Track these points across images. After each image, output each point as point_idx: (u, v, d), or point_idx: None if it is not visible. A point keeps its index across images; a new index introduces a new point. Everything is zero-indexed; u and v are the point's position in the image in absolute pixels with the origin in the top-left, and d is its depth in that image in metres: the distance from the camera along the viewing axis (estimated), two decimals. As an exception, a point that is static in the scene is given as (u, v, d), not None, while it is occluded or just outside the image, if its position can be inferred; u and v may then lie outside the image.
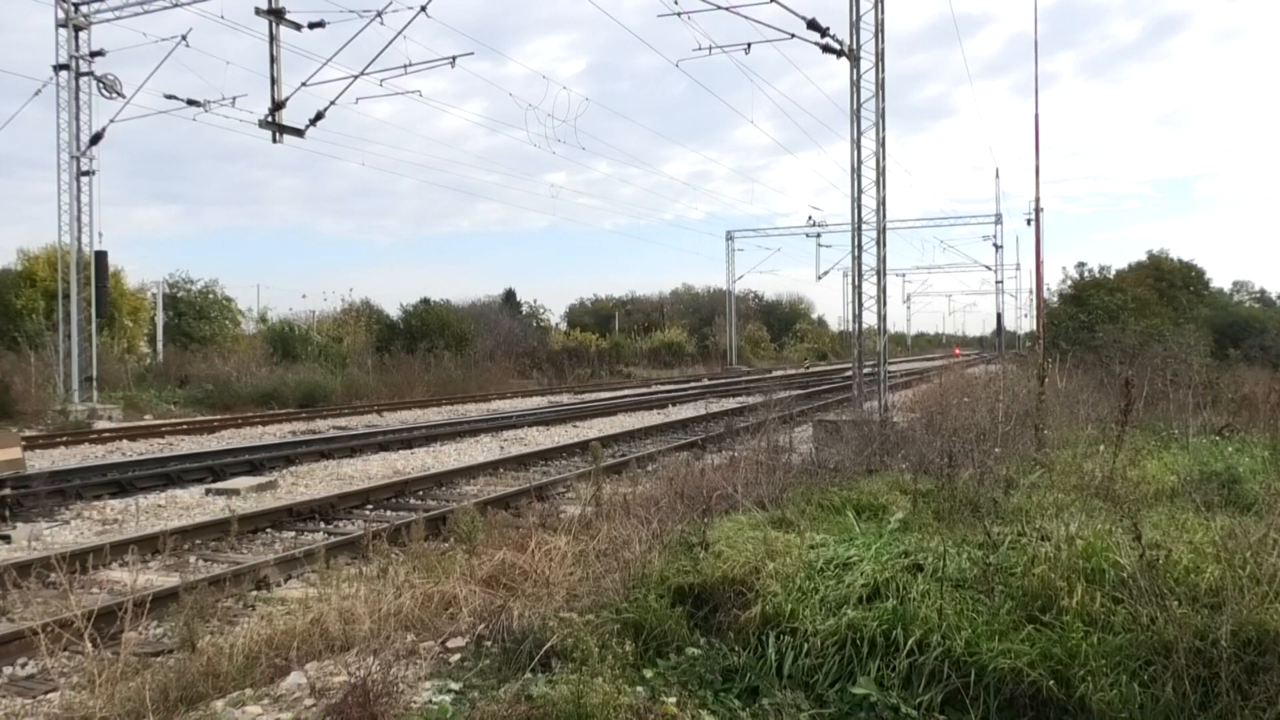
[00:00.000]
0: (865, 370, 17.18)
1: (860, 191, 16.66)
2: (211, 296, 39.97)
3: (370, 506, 11.36)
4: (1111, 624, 3.97)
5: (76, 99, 22.67)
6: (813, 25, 16.35)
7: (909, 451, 8.58)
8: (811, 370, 49.01)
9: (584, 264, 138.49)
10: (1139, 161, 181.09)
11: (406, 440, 17.96)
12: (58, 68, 22.53)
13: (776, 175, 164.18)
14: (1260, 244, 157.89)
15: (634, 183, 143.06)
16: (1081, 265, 39.21)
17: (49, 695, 5.16)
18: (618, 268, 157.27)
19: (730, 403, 25.66)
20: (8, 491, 11.06)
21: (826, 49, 16.60)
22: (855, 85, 16.56)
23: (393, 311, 42.74)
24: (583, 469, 12.76)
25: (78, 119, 22.74)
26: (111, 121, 22.87)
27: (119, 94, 22.52)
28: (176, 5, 21.56)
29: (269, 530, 9.99)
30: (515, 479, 13.47)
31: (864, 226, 16.82)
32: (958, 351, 76.70)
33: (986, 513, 5.45)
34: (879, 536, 5.24)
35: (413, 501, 11.78)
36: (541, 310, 58.31)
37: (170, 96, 21.87)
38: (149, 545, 8.66)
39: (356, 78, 19.98)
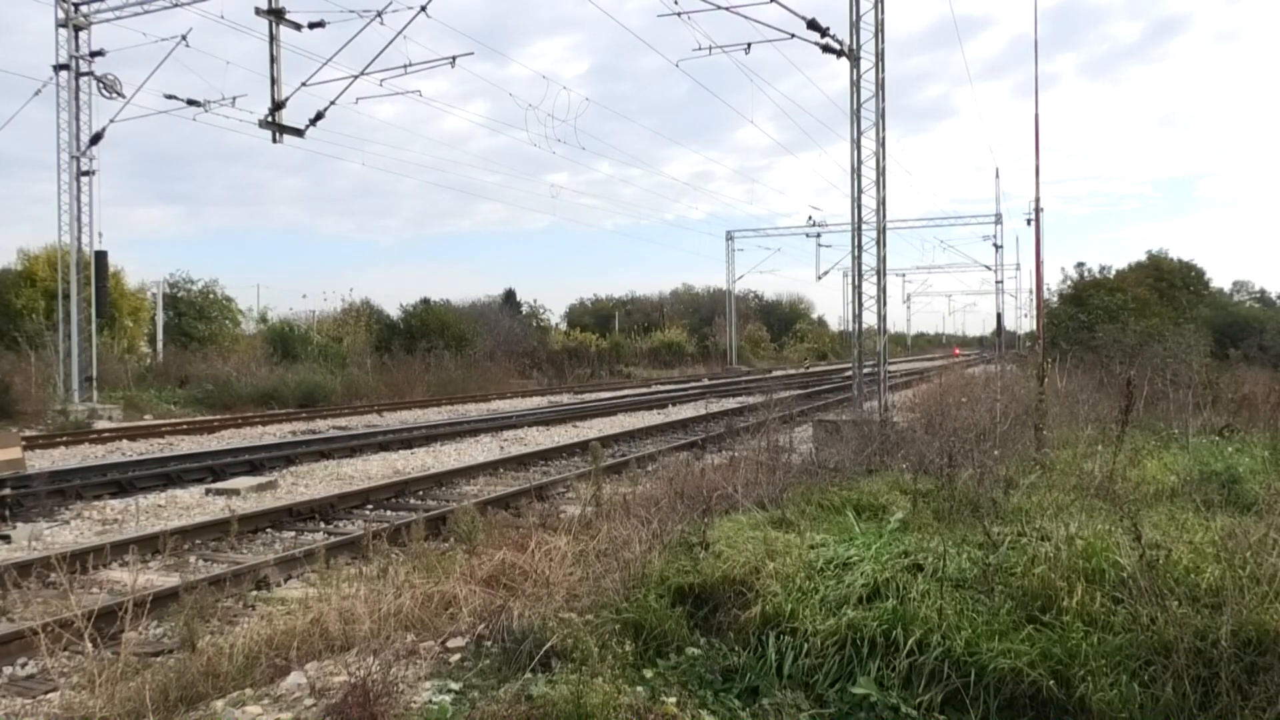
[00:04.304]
0: (865, 370, 17.17)
1: (860, 191, 16.67)
2: (211, 296, 39.94)
3: (370, 506, 11.36)
4: (1111, 624, 3.97)
5: (76, 99, 22.67)
6: (813, 25, 16.35)
7: (909, 451, 8.57)
8: (811, 370, 49.00)
9: (584, 264, 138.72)
10: (1139, 162, 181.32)
11: (406, 440, 17.96)
12: (58, 68, 22.53)
13: (777, 176, 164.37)
14: (1260, 244, 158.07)
15: (635, 183, 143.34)
16: (1081, 265, 39.21)
17: (49, 695, 5.16)
18: (618, 268, 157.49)
19: (730, 403, 25.66)
20: (8, 491, 11.05)
21: (826, 49, 16.59)
22: (855, 85, 16.56)
23: (393, 311, 42.79)
24: (583, 469, 12.76)
25: (78, 119, 22.74)
26: (111, 121, 22.90)
27: (119, 94, 22.52)
28: (176, 5, 21.56)
29: (269, 530, 9.99)
30: (515, 479, 13.47)
31: (864, 226, 16.82)
32: (958, 351, 76.65)
33: (986, 513, 5.45)
34: (879, 536, 5.24)
35: (413, 501, 11.78)
36: (541, 310, 58.37)
37: (170, 96, 21.89)
38: (149, 545, 8.66)
39: (356, 78, 19.99)
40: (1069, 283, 38.13)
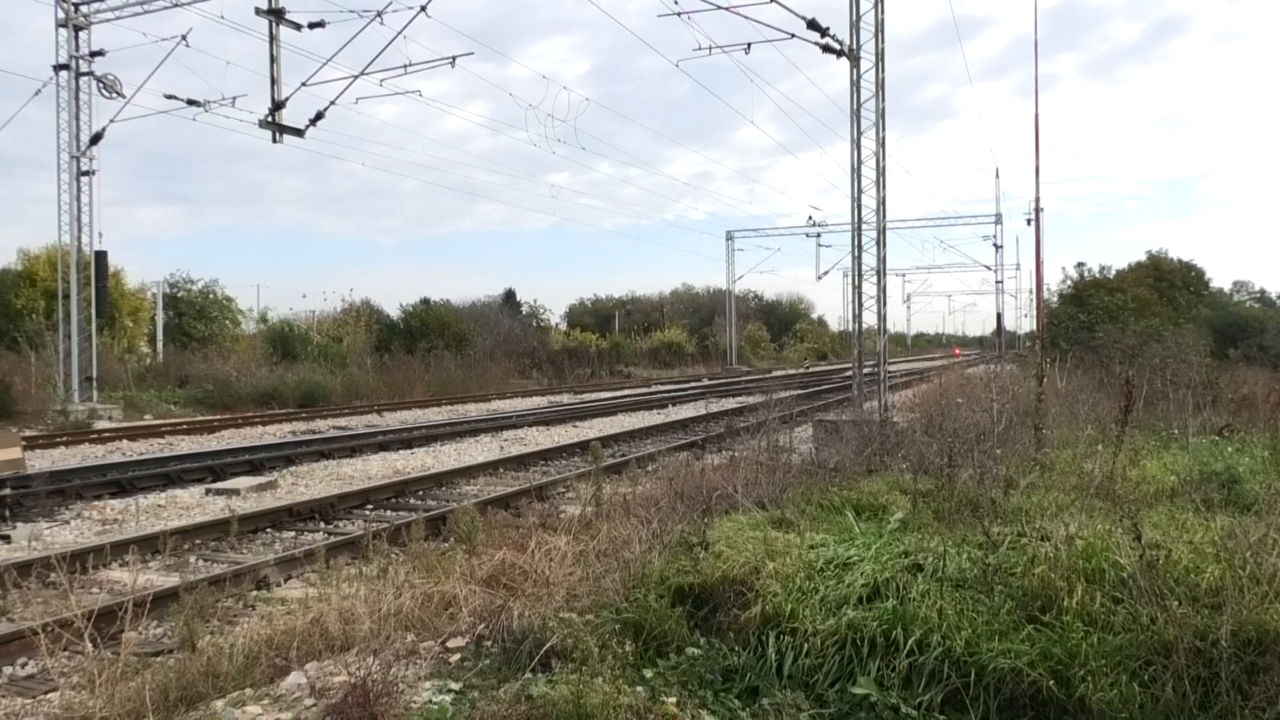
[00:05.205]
0: (865, 370, 17.17)
1: (860, 191, 16.67)
2: (212, 296, 39.91)
3: (370, 506, 11.36)
4: (1111, 624, 3.97)
5: (76, 99, 22.66)
6: (813, 25, 16.35)
7: (909, 451, 8.56)
8: (811, 370, 48.99)
9: (585, 264, 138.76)
10: (1139, 162, 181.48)
11: (406, 440, 17.96)
12: (58, 68, 22.52)
13: (777, 176, 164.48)
14: (1260, 244, 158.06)
15: (636, 183, 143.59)
16: (1081, 265, 39.17)
17: (49, 695, 5.16)
18: (618, 268, 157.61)
19: (730, 403, 25.66)
20: (8, 491, 11.05)
21: (826, 49, 16.60)
22: (855, 85, 16.56)
23: (393, 312, 42.78)
24: (583, 469, 12.76)
25: (78, 119, 22.73)
26: (111, 121, 22.89)
27: (119, 94, 22.52)
28: (176, 5, 21.55)
29: (269, 530, 9.99)
30: (515, 479, 13.47)
31: (864, 226, 16.83)
32: (958, 352, 76.70)
33: (986, 513, 5.44)
34: (879, 536, 5.24)
35: (413, 501, 11.77)
36: (541, 310, 58.32)
37: (170, 96, 21.89)
38: (149, 545, 8.66)
39: (356, 78, 19.99)
40: (1069, 283, 38.12)
